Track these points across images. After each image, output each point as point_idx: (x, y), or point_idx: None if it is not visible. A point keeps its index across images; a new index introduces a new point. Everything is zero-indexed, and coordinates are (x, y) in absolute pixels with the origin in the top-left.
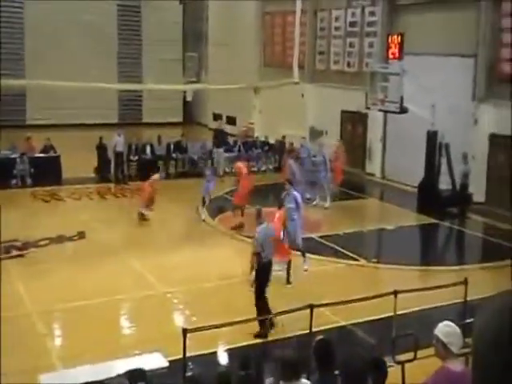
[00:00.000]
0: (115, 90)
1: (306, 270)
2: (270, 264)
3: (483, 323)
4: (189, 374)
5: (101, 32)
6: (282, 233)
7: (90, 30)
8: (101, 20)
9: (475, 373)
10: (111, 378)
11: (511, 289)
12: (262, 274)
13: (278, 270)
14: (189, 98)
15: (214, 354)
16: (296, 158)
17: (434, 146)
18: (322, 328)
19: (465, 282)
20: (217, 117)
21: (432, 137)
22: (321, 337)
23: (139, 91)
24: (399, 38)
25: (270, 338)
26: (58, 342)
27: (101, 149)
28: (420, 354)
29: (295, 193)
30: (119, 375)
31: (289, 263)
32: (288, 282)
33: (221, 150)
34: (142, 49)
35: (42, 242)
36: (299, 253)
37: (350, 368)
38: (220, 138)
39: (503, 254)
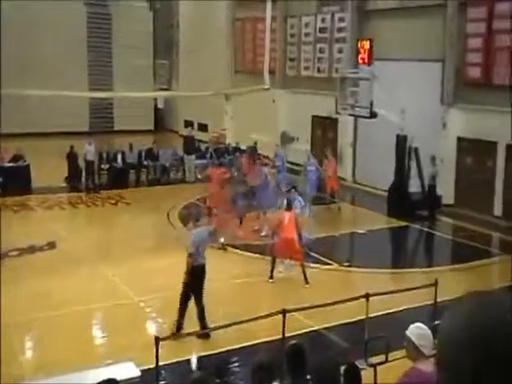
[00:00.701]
0: (86, 98)
1: (280, 272)
2: (200, 269)
3: (449, 325)
4: (162, 383)
5: (70, 40)
6: (295, 235)
7: (59, 38)
8: (70, 28)
9: (440, 375)
10: None
11: (476, 291)
12: (191, 279)
13: (280, 271)
14: (160, 105)
15: (188, 361)
16: (272, 167)
17: (403, 150)
18: (296, 333)
19: (435, 284)
20: (188, 124)
21: (401, 141)
22: (293, 341)
23: (110, 99)
24: (368, 43)
25: (243, 344)
26: (29, 352)
27: (72, 157)
28: (392, 356)
29: (299, 198)
30: None
31: (302, 265)
32: (306, 281)
33: (191, 156)
34: (112, 56)
35: (13, 253)
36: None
37: (322, 372)
38: (190, 144)
39: (472, 254)
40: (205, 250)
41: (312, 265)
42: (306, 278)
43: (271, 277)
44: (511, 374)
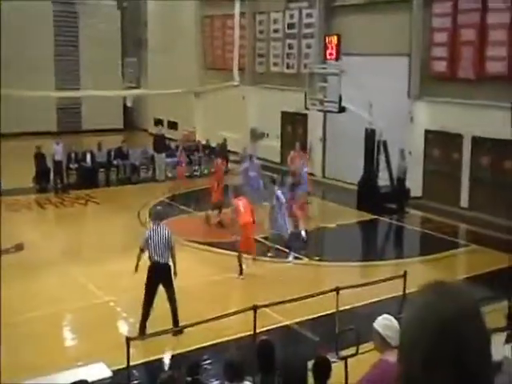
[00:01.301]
0: (53, 97)
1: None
2: (155, 267)
3: (406, 317)
4: (134, 382)
5: (36, 38)
6: (251, 221)
7: (24, 37)
8: (36, 26)
9: (399, 366)
10: None
11: (435, 281)
12: (148, 275)
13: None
14: (129, 104)
15: (159, 360)
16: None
17: (372, 144)
18: (267, 328)
19: (404, 276)
20: (158, 122)
21: (370, 135)
22: (263, 337)
23: (78, 98)
24: (336, 38)
25: (215, 341)
26: None
27: (39, 158)
28: (363, 348)
29: (278, 192)
30: None
31: (239, 256)
32: (241, 272)
33: (162, 155)
34: (79, 55)
35: None
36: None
37: (289, 367)
38: (160, 143)
39: (440, 246)
40: (166, 250)
41: (282, 260)
42: (241, 270)
43: (241, 273)
44: (461, 362)
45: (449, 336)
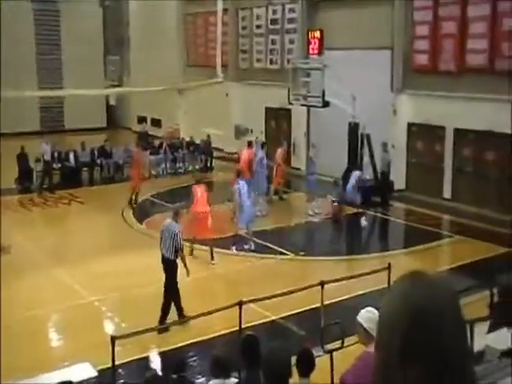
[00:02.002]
0: (36, 96)
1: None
2: (166, 262)
3: (383, 307)
4: (120, 381)
5: (17, 38)
6: (207, 208)
7: (5, 36)
8: (17, 25)
9: (376, 355)
10: None
11: (411, 272)
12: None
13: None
14: (112, 102)
15: (145, 359)
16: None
17: (356, 138)
18: (253, 324)
19: (388, 268)
20: (141, 119)
21: (354, 128)
22: (248, 333)
23: (60, 97)
24: (319, 33)
25: (201, 338)
26: None
27: (22, 158)
28: (348, 341)
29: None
30: None
31: (211, 244)
32: (212, 257)
33: (145, 152)
34: (61, 54)
35: None
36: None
37: (272, 362)
38: (144, 140)
39: (425, 237)
40: (172, 246)
41: (267, 255)
42: (212, 255)
43: (212, 258)
44: (436, 352)
45: (424, 325)
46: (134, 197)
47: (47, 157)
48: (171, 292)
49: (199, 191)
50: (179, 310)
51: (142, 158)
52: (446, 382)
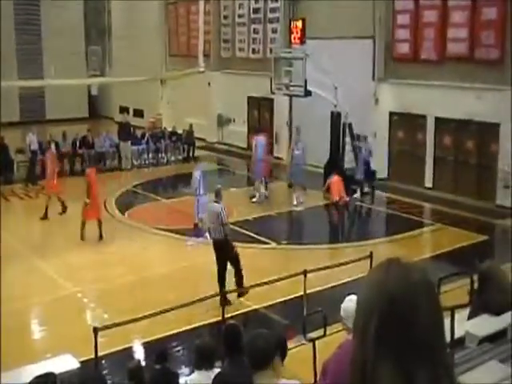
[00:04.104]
0: (15, 87)
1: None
2: (219, 242)
3: (360, 295)
4: (102, 372)
5: None
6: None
7: None
8: None
9: (353, 343)
10: None
11: (388, 259)
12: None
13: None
14: (94, 92)
15: (128, 349)
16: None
17: (337, 127)
18: (236, 313)
19: (370, 256)
20: (123, 110)
21: (336, 118)
22: (228, 322)
23: (41, 87)
24: (301, 23)
25: (183, 328)
26: None
27: (2, 149)
28: (330, 329)
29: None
30: (29, 382)
31: (98, 222)
32: (101, 237)
33: (127, 143)
34: (41, 44)
35: None
36: None
37: (253, 349)
38: (125, 131)
39: (406, 226)
40: (218, 227)
41: (250, 245)
42: (101, 234)
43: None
44: (413, 337)
45: (399, 312)
46: (46, 210)
47: (34, 147)
48: (236, 262)
49: (93, 175)
50: (240, 279)
51: (55, 160)
52: (420, 370)
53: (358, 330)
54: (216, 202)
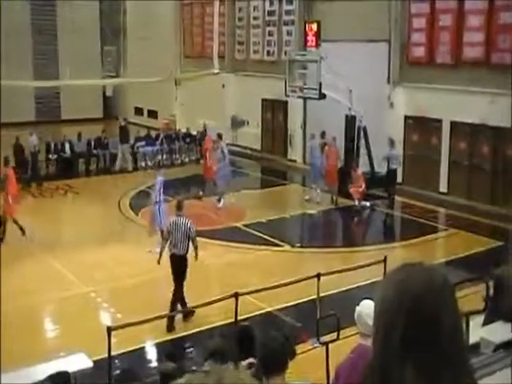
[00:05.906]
0: (31, 87)
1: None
2: (179, 258)
3: (379, 299)
4: (116, 372)
5: (13, 28)
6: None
7: (1, 27)
8: (13, 15)
9: (374, 348)
10: None
11: (405, 263)
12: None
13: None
14: (109, 93)
15: (141, 350)
16: None
17: (352, 130)
18: (249, 315)
19: (384, 261)
20: (138, 111)
21: (350, 121)
22: (242, 324)
23: (57, 87)
24: (316, 25)
25: (197, 330)
26: None
27: (18, 148)
28: (344, 333)
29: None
30: (42, 381)
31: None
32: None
33: (125, 145)
34: (57, 44)
35: None
36: None
37: (270, 353)
38: (124, 134)
39: (421, 230)
40: (183, 241)
41: (263, 247)
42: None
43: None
44: (433, 332)
45: (424, 313)
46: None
47: (32, 149)
48: (181, 284)
49: (12, 174)
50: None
51: (13, 178)
52: (444, 371)
53: (381, 329)
54: (179, 215)
